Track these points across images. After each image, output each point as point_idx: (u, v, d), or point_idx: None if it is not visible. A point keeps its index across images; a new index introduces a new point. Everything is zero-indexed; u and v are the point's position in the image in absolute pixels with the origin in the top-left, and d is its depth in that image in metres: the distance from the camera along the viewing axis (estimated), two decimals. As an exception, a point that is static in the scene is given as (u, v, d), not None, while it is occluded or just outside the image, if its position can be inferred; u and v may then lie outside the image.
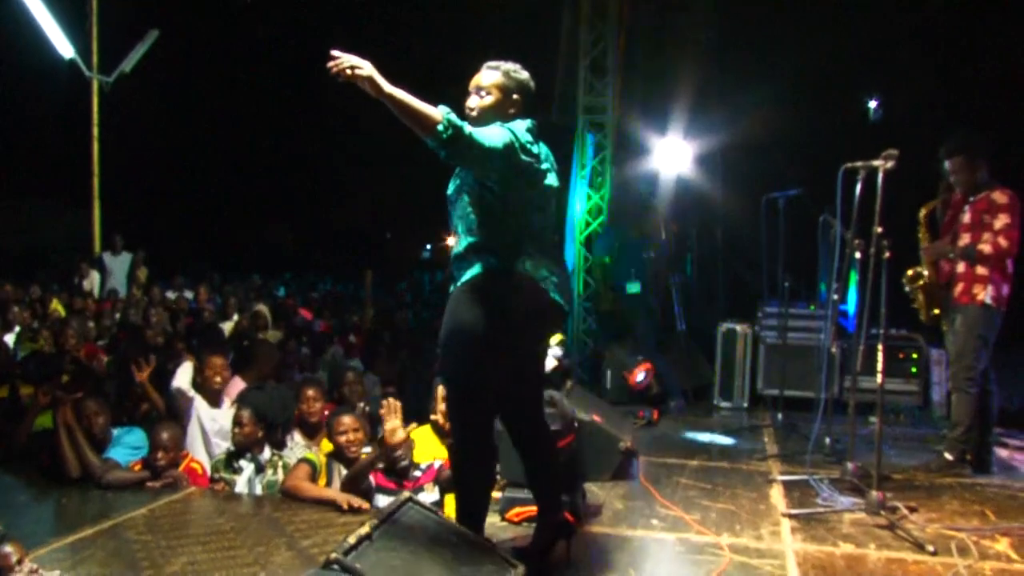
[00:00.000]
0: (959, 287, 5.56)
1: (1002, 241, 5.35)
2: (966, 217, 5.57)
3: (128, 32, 14.52)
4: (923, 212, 5.92)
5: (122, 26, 14.57)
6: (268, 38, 19.74)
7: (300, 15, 19.06)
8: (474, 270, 3.43)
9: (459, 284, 3.46)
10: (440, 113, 3.11)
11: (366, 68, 3.04)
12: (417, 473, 4.78)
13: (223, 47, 19.47)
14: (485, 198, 3.42)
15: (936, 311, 5.80)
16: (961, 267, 5.58)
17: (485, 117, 3.47)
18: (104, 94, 14.34)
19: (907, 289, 5.93)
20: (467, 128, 3.17)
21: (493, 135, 3.28)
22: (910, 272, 5.89)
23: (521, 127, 3.44)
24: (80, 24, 14.01)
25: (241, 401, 5.24)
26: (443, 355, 3.49)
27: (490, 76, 3.55)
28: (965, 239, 5.56)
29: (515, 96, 3.56)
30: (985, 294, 5.44)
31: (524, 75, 3.60)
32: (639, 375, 7.73)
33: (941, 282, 5.75)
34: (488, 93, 3.54)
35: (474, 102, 3.55)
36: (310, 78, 20.15)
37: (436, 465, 4.82)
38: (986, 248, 5.40)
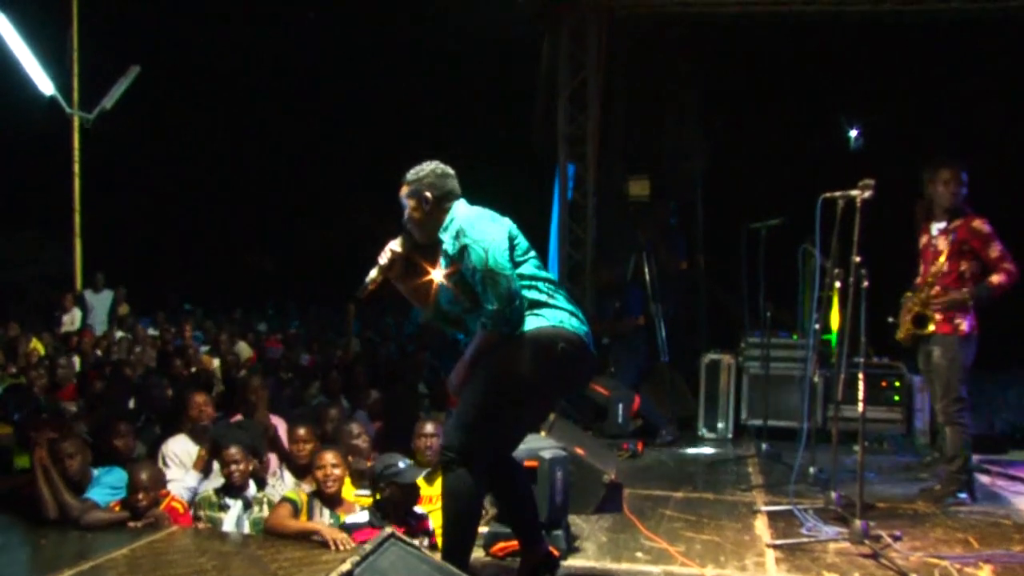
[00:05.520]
0: (938, 316, 5.58)
1: (1009, 265, 5.40)
2: (943, 244, 5.60)
3: (109, 69, 14.56)
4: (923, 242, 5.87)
5: (103, 63, 14.61)
6: (249, 73, 19.86)
7: (282, 48, 19.18)
8: (527, 325, 3.57)
9: (512, 335, 3.55)
10: (489, 331, 3.51)
11: (382, 262, 3.77)
12: (411, 521, 4.73)
13: (204, 83, 19.54)
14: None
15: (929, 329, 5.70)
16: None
17: (417, 224, 3.79)
18: (85, 131, 14.36)
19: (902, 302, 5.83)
20: (493, 303, 3.47)
21: (497, 264, 3.49)
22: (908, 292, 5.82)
23: (466, 213, 3.70)
24: (61, 61, 14.05)
25: (224, 440, 5.23)
26: (482, 398, 3.60)
27: (403, 191, 3.84)
28: (944, 266, 5.57)
29: (427, 194, 3.76)
30: (965, 323, 5.49)
31: (427, 169, 3.82)
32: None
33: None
34: (406, 207, 3.81)
35: (405, 219, 3.83)
36: (291, 113, 20.33)
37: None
38: (999, 278, 5.42)
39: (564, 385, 3.89)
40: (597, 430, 7.64)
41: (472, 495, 3.64)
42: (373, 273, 3.82)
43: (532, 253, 3.75)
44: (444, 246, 3.68)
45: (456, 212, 3.72)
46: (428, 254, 3.82)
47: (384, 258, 3.81)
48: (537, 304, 3.60)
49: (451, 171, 3.84)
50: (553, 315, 3.59)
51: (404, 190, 3.81)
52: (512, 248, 3.62)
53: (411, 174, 3.81)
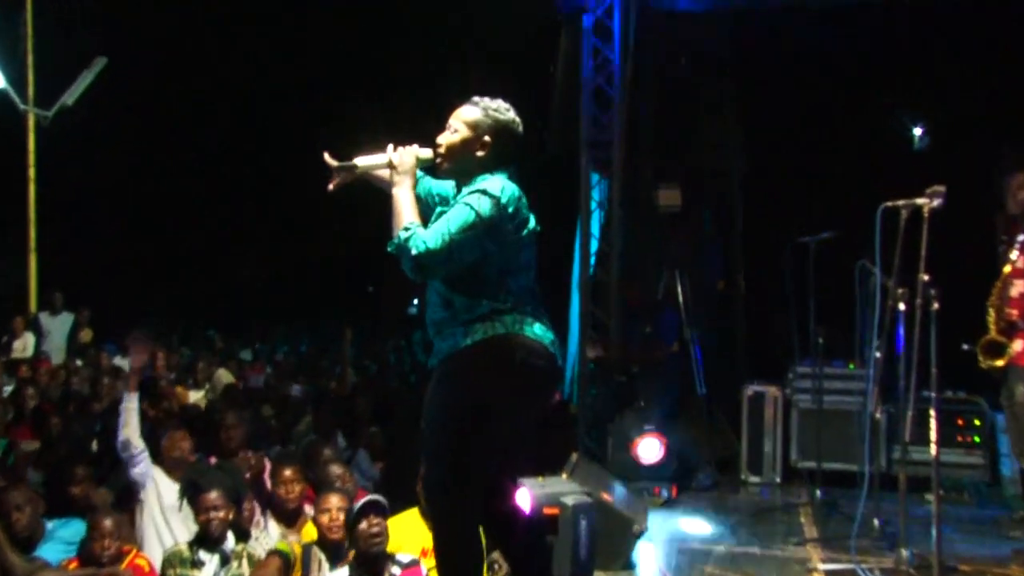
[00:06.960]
0: (1018, 344, 5.51)
1: None
2: (1020, 260, 5.54)
3: (72, 60, 14.58)
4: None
5: (64, 52, 14.62)
6: (231, 65, 19.92)
7: (267, 40, 19.27)
8: (478, 334, 3.47)
9: (462, 347, 3.48)
10: (400, 230, 3.40)
11: (393, 159, 3.54)
12: (396, 570, 4.66)
13: (179, 77, 19.60)
14: (480, 266, 3.48)
15: (1000, 362, 5.66)
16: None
17: (450, 154, 3.61)
18: (42, 130, 14.35)
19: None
20: (415, 248, 3.34)
21: (453, 229, 3.36)
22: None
23: (496, 185, 3.48)
24: (13, 50, 14.03)
25: (200, 483, 5.14)
26: (442, 425, 3.51)
27: (467, 111, 3.65)
28: (1020, 286, 5.52)
29: (486, 137, 3.60)
30: None
31: (507, 116, 3.66)
32: (642, 446, 7.51)
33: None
34: (457, 130, 3.63)
35: (443, 137, 3.64)
36: (272, 114, 20.37)
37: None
38: None
39: (532, 401, 3.69)
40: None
41: (465, 547, 3.55)
42: (371, 161, 3.63)
43: (532, 273, 3.64)
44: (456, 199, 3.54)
45: (489, 183, 3.50)
46: None
47: (398, 157, 3.56)
48: (497, 312, 3.48)
49: (522, 135, 3.68)
50: (511, 321, 3.48)
51: (466, 111, 3.64)
52: (513, 250, 3.52)
53: (486, 102, 3.64)
